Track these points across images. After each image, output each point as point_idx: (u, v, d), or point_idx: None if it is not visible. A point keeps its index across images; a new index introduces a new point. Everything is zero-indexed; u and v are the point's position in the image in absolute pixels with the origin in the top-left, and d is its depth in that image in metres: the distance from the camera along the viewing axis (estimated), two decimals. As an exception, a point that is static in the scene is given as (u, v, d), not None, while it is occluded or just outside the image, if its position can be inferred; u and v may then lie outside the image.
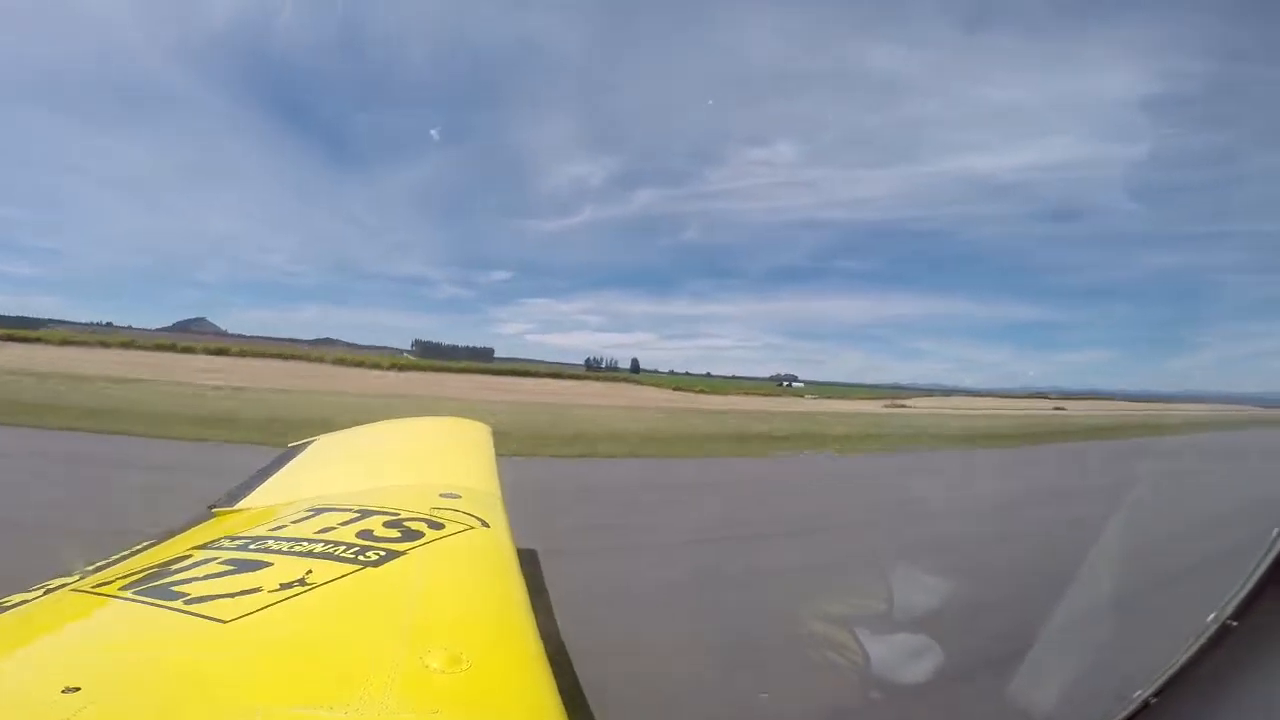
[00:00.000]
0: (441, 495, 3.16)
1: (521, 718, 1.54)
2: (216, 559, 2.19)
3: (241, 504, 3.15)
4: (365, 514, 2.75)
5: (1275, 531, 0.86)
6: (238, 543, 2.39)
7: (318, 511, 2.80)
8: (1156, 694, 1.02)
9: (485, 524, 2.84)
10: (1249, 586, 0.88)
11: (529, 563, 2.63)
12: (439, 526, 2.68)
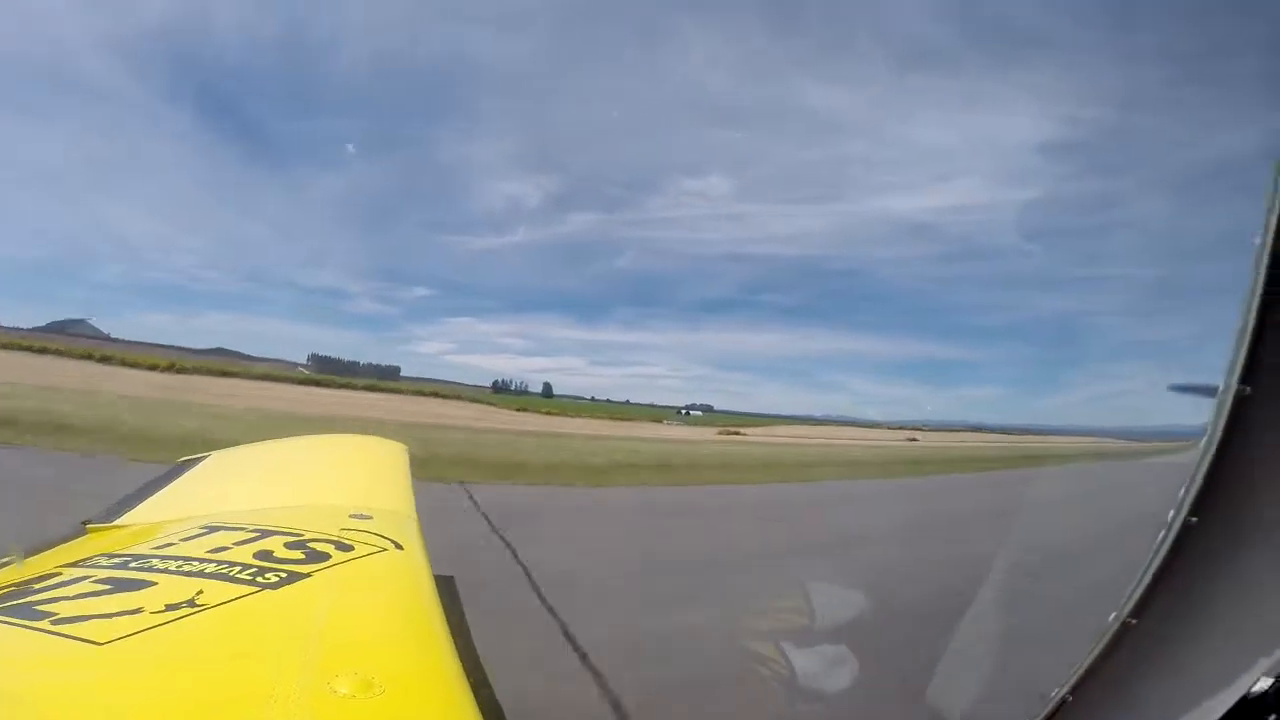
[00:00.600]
0: (351, 516, 2.98)
1: None
2: (90, 577, 1.95)
3: (121, 520, 2.86)
4: (264, 534, 2.55)
5: (1160, 535, 0.95)
6: (116, 560, 2.15)
7: (210, 530, 2.58)
8: (1072, 691, 1.10)
9: (399, 546, 2.69)
10: (1143, 586, 0.97)
11: (446, 589, 2.49)
12: (348, 548, 2.51)
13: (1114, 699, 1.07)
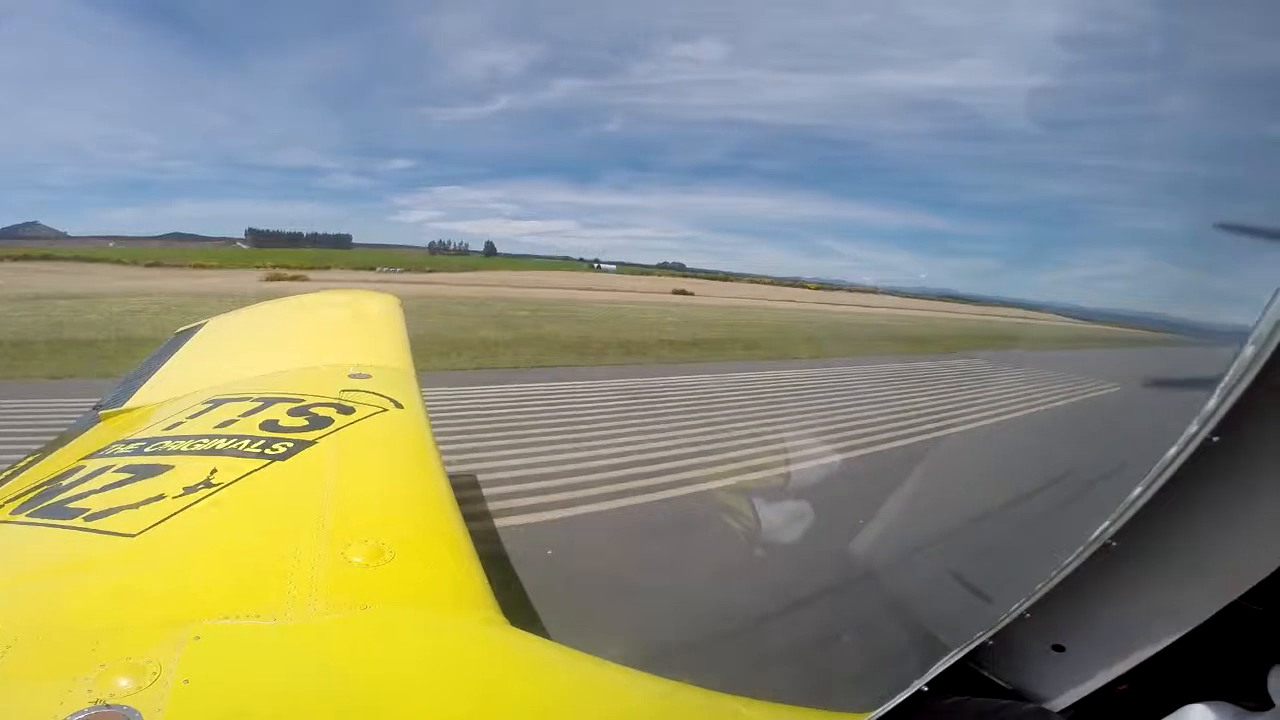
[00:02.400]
0: (351, 376, 3.07)
1: (452, 605, 1.60)
2: (112, 467, 2.09)
3: (130, 402, 2.98)
4: (268, 402, 2.66)
5: (1173, 451, 0.85)
6: (132, 446, 2.28)
7: (216, 403, 2.69)
8: (1032, 609, 1.09)
9: (399, 404, 2.81)
10: (1137, 506, 0.91)
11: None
12: (349, 411, 2.63)
13: (1070, 621, 1.08)
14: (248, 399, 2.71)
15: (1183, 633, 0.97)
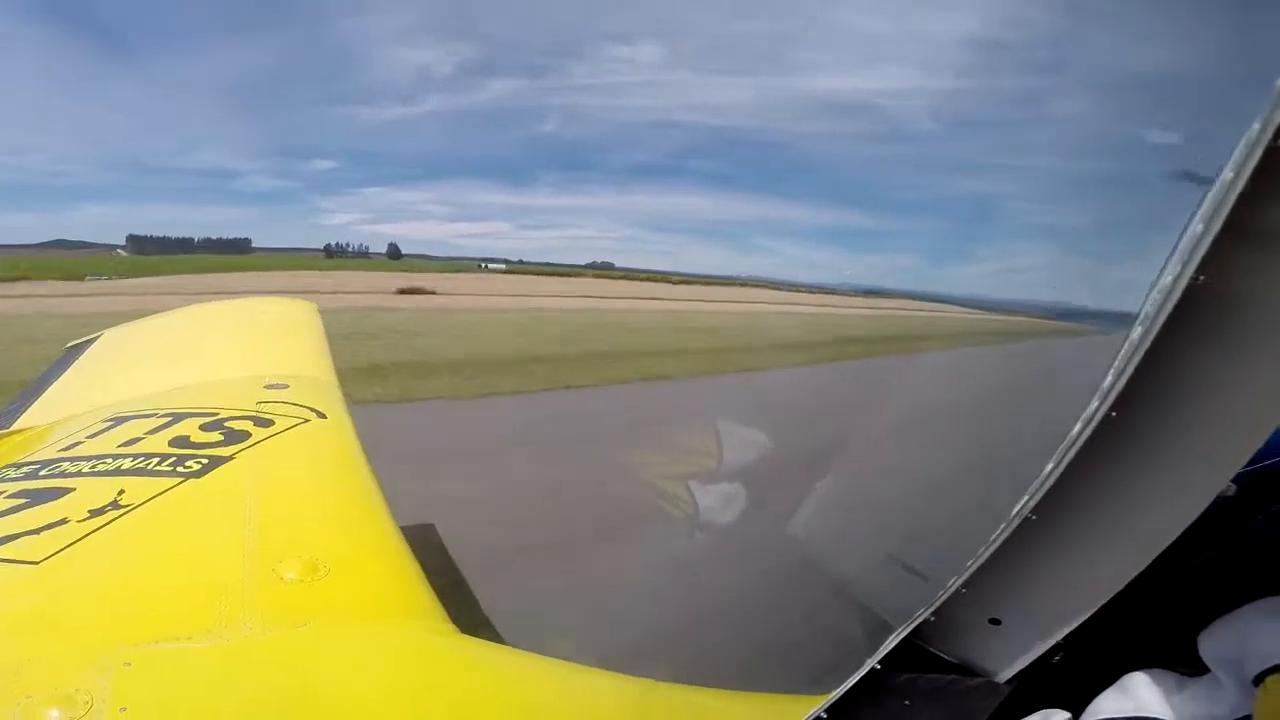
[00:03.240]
0: (266, 387, 2.91)
1: (398, 617, 1.54)
2: (3, 493, 1.91)
3: (19, 424, 2.73)
4: (176, 417, 2.49)
5: (1077, 428, 0.92)
6: (25, 470, 2.09)
7: (118, 421, 2.50)
8: (966, 584, 1.13)
9: (321, 414, 2.69)
10: (1050, 480, 0.97)
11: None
12: (267, 423, 2.49)
13: (1002, 595, 1.12)
14: (154, 415, 2.53)
15: (1104, 600, 1.04)
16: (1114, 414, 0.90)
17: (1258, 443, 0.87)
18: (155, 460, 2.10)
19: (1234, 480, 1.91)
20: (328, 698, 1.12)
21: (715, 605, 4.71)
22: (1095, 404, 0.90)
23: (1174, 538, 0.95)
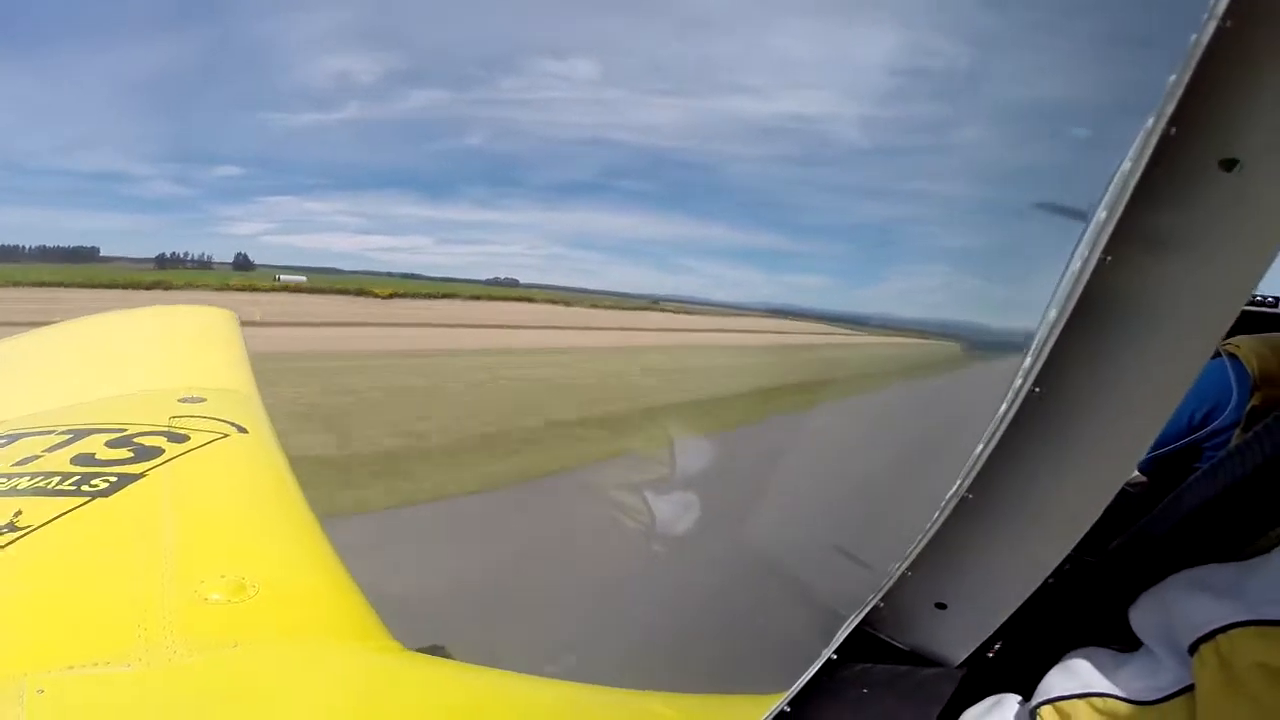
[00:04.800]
0: (180, 401, 2.74)
1: (337, 635, 1.46)
2: None
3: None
4: (78, 434, 2.31)
5: (1003, 407, 0.97)
6: None
7: (11, 439, 2.30)
8: (912, 567, 1.15)
9: (242, 429, 2.55)
10: (983, 459, 1.01)
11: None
12: (182, 439, 2.34)
13: (945, 578, 1.14)
14: (52, 432, 2.33)
15: (1040, 580, 1.08)
16: (1037, 389, 0.94)
17: (1167, 413, 0.93)
18: (56, 479, 1.94)
19: (1143, 470, 2.07)
20: (276, 717, 1.04)
21: (672, 612, 4.73)
22: (1019, 380, 0.95)
23: (1099, 512, 0.99)
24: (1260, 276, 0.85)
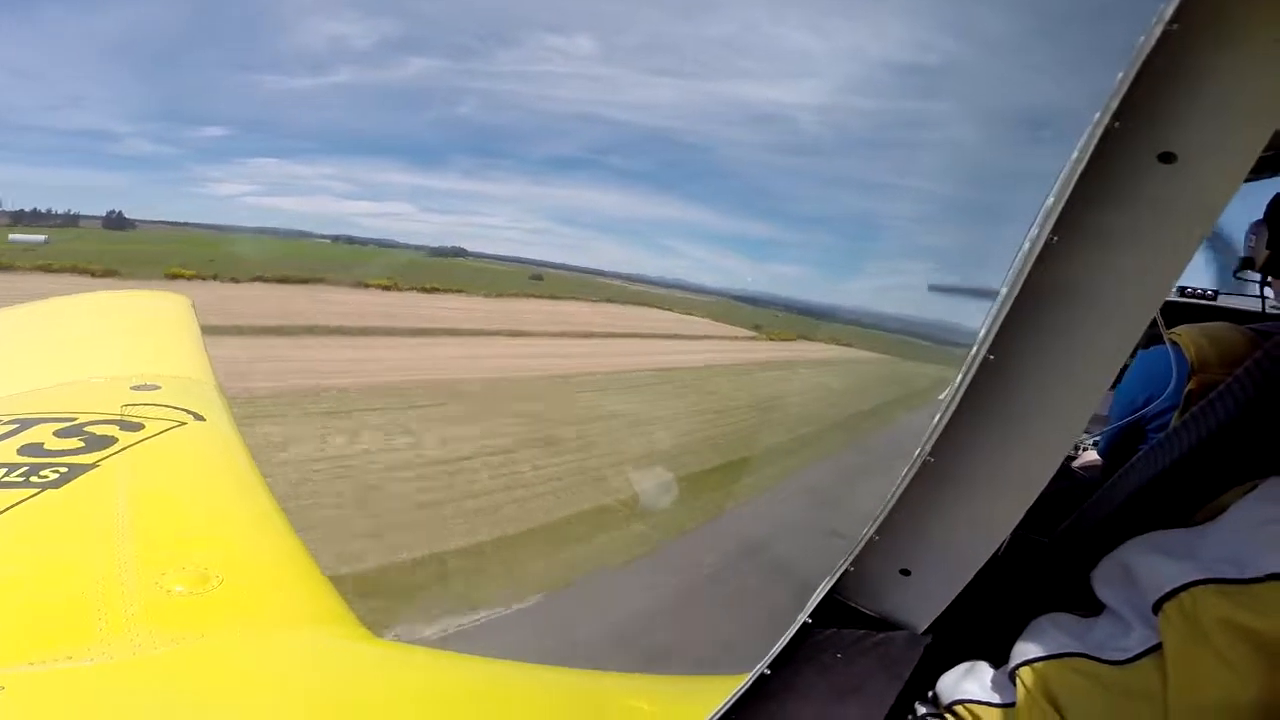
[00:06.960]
0: (134, 388, 2.65)
1: (305, 624, 1.44)
2: None
3: None
4: (25, 424, 2.22)
5: (960, 375, 1.03)
6: None
7: None
8: (879, 531, 1.19)
9: (199, 417, 2.48)
10: (943, 423, 1.06)
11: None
12: (136, 427, 2.27)
13: (909, 543, 1.19)
14: None
15: (996, 544, 1.14)
16: (991, 356, 1.00)
17: (1105, 382, 1.00)
18: (2, 471, 1.87)
19: (1101, 454, 2.16)
20: (244, 709, 1.03)
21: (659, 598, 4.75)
22: (975, 349, 1.01)
23: (1050, 474, 1.05)
24: (1190, 258, 0.92)
